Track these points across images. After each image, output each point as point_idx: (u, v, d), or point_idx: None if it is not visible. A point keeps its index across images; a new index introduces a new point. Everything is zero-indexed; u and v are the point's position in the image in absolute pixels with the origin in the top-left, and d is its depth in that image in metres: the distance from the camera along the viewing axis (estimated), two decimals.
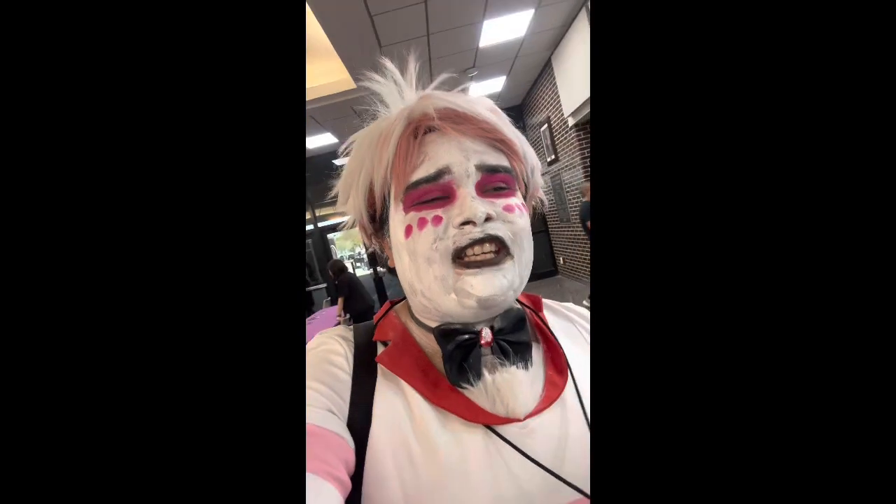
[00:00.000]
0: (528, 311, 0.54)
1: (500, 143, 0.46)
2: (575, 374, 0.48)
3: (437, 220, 0.44)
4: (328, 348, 0.48)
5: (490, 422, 0.43)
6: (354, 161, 0.49)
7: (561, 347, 0.49)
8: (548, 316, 0.55)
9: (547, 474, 0.41)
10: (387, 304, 0.55)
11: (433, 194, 0.44)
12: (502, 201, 0.45)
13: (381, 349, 0.49)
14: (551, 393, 0.46)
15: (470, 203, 0.43)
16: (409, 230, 0.45)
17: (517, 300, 0.54)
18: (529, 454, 0.41)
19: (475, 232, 0.43)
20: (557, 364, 0.48)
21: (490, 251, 0.44)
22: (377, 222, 0.51)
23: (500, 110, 0.49)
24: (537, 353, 0.49)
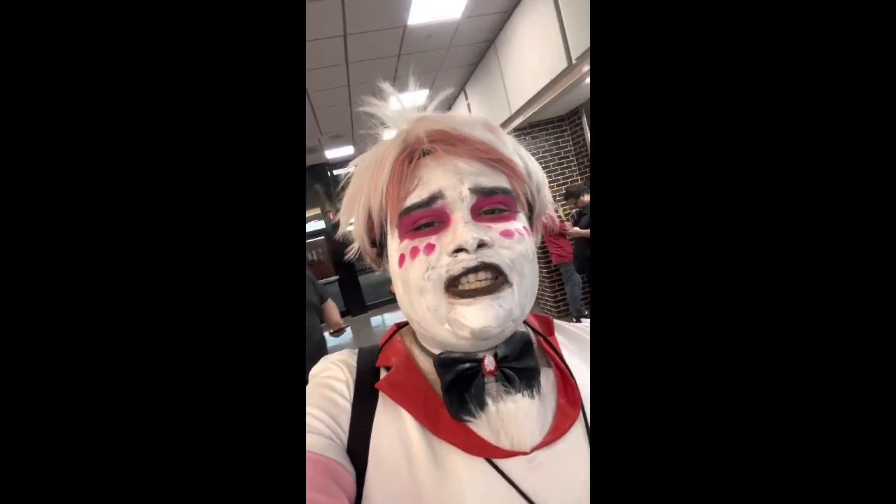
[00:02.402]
0: (538, 337, 0.52)
1: (497, 162, 0.45)
2: (586, 405, 0.46)
3: (430, 248, 0.43)
4: (330, 374, 0.48)
5: (492, 455, 0.41)
6: (354, 186, 0.49)
7: (573, 378, 0.47)
8: (560, 339, 0.52)
9: None
10: (392, 328, 0.54)
11: (427, 220, 0.44)
12: (500, 226, 0.44)
13: (384, 374, 0.47)
14: (562, 423, 0.44)
15: (462, 229, 0.42)
16: (401, 259, 0.44)
17: (526, 323, 0.53)
18: (535, 491, 0.39)
19: (468, 260, 0.41)
20: (570, 393, 0.46)
21: (485, 279, 0.42)
22: (377, 247, 0.50)
23: (498, 128, 0.48)
24: (547, 380, 0.47)
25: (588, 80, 3.15)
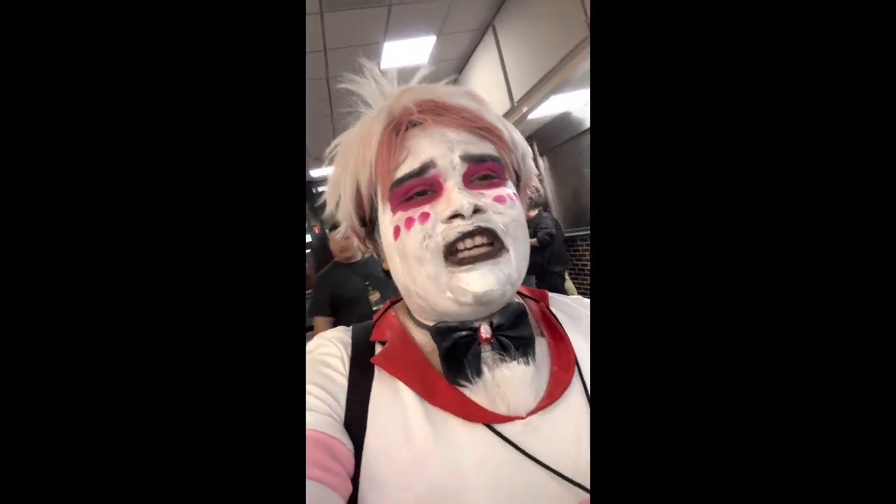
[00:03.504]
0: (532, 303, 0.54)
1: (484, 130, 0.46)
2: (583, 369, 0.47)
3: (425, 216, 0.43)
4: (324, 351, 0.48)
5: (490, 420, 0.42)
6: (339, 165, 0.49)
7: (569, 340, 0.48)
8: (553, 311, 0.53)
9: (552, 474, 0.40)
10: (387, 304, 0.55)
11: (419, 188, 0.44)
12: (492, 192, 0.45)
13: (379, 350, 0.48)
14: (556, 389, 0.45)
15: (457, 195, 0.42)
16: (396, 231, 0.44)
17: (520, 294, 0.54)
18: (532, 453, 0.40)
19: (464, 225, 0.42)
20: (563, 359, 0.47)
21: (482, 244, 0.43)
22: (368, 225, 0.50)
23: (482, 98, 0.48)
24: (541, 349, 0.48)
25: (529, 116, 3.83)
